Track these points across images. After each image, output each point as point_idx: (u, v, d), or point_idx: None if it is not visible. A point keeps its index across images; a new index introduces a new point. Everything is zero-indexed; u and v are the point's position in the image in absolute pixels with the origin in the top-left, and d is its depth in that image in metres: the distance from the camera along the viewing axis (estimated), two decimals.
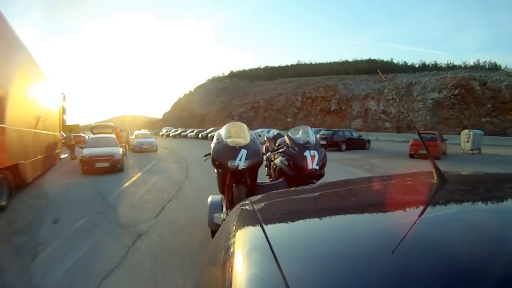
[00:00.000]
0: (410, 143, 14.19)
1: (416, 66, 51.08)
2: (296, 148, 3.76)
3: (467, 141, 16.30)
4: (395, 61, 61.34)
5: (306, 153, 3.60)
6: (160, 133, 47.99)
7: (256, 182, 3.65)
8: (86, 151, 10.26)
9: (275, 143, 4.86)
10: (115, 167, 10.08)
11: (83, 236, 4.27)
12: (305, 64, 76.60)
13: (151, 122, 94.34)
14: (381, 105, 34.33)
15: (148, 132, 23.78)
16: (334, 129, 19.33)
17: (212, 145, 3.54)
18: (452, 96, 29.92)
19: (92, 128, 15.41)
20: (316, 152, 3.64)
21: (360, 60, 69.44)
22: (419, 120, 30.14)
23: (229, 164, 3.23)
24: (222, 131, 3.66)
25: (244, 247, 0.69)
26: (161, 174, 9.80)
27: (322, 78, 49.78)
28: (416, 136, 14.56)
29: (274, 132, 5.36)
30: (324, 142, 16.32)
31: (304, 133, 4.10)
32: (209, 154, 3.55)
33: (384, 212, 0.87)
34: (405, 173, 1.40)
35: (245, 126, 3.88)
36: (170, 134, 45.78)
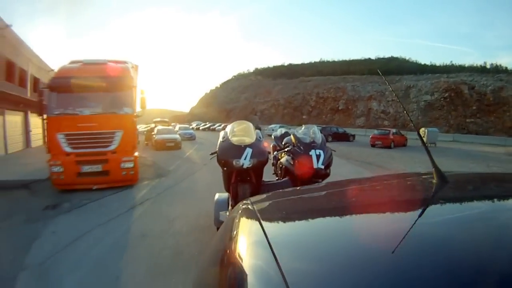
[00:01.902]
0: (370, 137, 19.86)
1: (429, 64, 54.77)
2: (301, 147, 3.75)
3: (424, 136, 21.59)
4: (414, 59, 65.19)
5: (312, 152, 3.58)
6: (190, 127, 54.57)
7: (262, 181, 3.72)
8: (159, 136, 17.09)
9: (282, 141, 4.81)
10: (177, 146, 16.86)
11: (182, 164, 11.06)
12: (327, 62, 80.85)
13: (178, 116, 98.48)
14: (381, 105, 39.34)
15: (188, 126, 30.93)
16: (323, 126, 25.42)
17: (218, 143, 3.59)
18: (442, 99, 34.50)
19: (154, 122, 22.71)
20: (321, 152, 3.61)
21: (382, 58, 73.02)
22: (412, 119, 35.04)
23: (234, 163, 3.31)
24: (228, 129, 3.75)
25: (244, 247, 0.70)
26: (205, 150, 16.46)
27: (339, 78, 54.61)
28: (375, 131, 20.41)
29: (281, 130, 5.79)
30: None
31: (310, 132, 4.06)
32: (215, 152, 3.59)
33: (384, 212, 0.88)
34: (405, 173, 1.49)
35: (251, 124, 3.93)
36: (200, 128, 51.96)
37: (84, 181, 7.12)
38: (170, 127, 20.31)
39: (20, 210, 5.81)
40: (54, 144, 7.03)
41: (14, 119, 15.79)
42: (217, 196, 3.76)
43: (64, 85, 7.08)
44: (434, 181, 1.01)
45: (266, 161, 3.55)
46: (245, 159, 3.28)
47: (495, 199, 0.96)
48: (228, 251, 0.75)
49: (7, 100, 13.90)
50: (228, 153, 3.41)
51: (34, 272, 3.44)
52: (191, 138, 24.50)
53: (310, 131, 4.09)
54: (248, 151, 3.32)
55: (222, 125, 46.41)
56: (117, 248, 4.05)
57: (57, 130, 7.03)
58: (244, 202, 1.06)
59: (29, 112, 17.36)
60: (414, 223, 0.71)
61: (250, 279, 0.56)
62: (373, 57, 75.34)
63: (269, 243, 0.64)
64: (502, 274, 0.48)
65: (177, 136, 17.67)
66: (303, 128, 4.39)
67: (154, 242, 4.14)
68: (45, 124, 7.38)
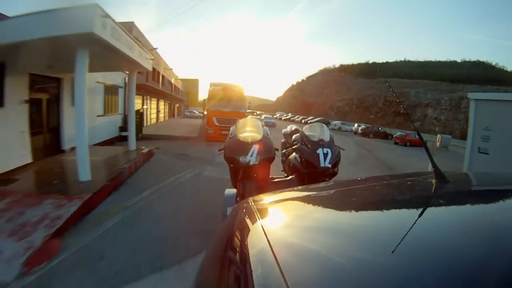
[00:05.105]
0: (394, 136, 29.09)
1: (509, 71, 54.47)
2: (309, 145, 3.75)
3: (438, 141, 26.86)
4: (502, 64, 63.79)
5: (319, 150, 3.57)
6: (274, 116, 57.72)
7: (268, 178, 3.77)
8: None
9: (291, 138, 4.79)
10: None
11: None
12: (410, 62, 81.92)
13: (264, 105, 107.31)
14: (436, 112, 45.34)
15: (271, 116, 43.77)
16: (368, 125, 34.95)
17: (226, 140, 3.64)
18: None
19: (247, 113, 36.41)
20: (329, 150, 3.58)
21: (467, 61, 72.54)
22: (458, 127, 40.78)
23: (240, 160, 3.32)
24: (236, 126, 3.79)
25: (244, 246, 0.70)
26: (279, 133, 29.15)
27: (411, 83, 58.71)
28: (398, 133, 29.86)
29: (292, 127, 5.54)
30: (361, 132, 32.30)
31: (319, 131, 4.03)
32: (223, 149, 3.62)
33: (384, 212, 0.89)
34: (405, 173, 1.46)
35: (259, 121, 4.02)
36: (282, 118, 59.56)
37: (221, 137, 12.84)
38: (257, 117, 33.39)
39: (195, 144, 13.07)
40: (211, 121, 14.48)
41: (153, 103, 24.12)
42: (226, 191, 3.43)
43: (215, 97, 14.97)
44: (434, 181, 1.04)
45: (273, 159, 3.57)
46: (251, 156, 3.30)
47: (495, 199, 0.95)
48: (227, 250, 0.76)
49: (151, 91, 21.40)
50: (235, 150, 3.40)
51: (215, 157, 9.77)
52: (272, 125, 31.06)
53: (319, 130, 4.04)
54: (255, 148, 3.33)
55: (300, 117, 55.98)
56: None
57: (212, 116, 14.44)
58: (244, 201, 1.07)
59: (159, 99, 25.77)
60: (414, 223, 0.71)
61: (250, 279, 0.56)
62: (459, 60, 75.12)
63: (268, 242, 0.65)
64: (501, 274, 0.48)
65: (262, 123, 30.40)
66: (315, 127, 4.23)
67: None
68: (207, 113, 15.19)
